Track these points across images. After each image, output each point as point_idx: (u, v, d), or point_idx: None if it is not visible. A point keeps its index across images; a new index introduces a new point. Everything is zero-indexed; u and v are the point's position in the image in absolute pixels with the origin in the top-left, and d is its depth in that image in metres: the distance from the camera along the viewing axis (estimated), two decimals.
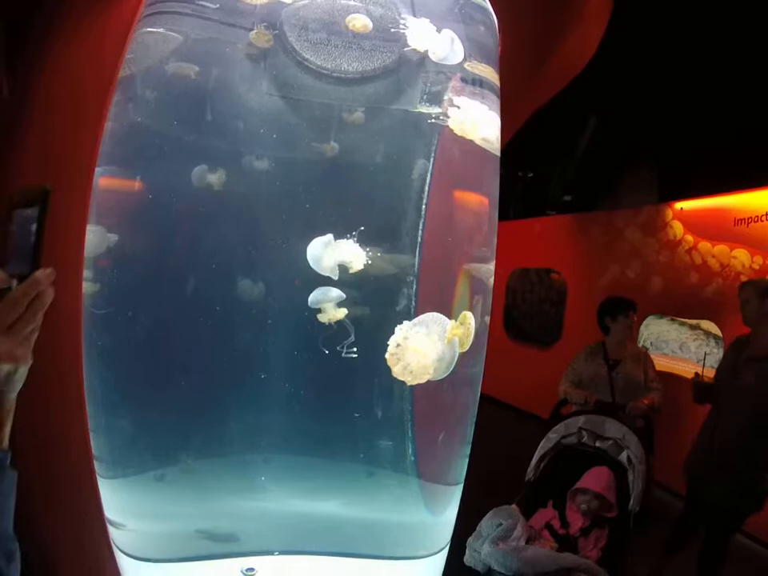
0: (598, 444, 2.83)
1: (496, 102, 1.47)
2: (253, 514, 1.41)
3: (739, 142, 4.34)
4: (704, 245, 5.08)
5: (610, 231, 6.13)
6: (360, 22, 1.31)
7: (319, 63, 1.32)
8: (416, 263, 1.30)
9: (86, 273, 1.32)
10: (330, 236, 1.22)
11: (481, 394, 1.51)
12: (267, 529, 1.42)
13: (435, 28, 1.32)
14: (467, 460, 1.52)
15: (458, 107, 1.33)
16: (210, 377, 1.33)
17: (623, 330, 3.50)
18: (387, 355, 1.23)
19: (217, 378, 1.33)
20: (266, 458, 1.36)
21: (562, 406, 3.40)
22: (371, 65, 1.33)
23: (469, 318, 1.31)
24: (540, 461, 2.87)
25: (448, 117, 1.33)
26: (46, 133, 1.63)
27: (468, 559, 2.44)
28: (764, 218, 4.56)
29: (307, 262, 1.21)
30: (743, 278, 4.48)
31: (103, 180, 1.39)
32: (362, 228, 1.22)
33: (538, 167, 6.88)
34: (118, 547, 1.42)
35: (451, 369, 1.28)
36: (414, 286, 1.29)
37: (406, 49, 1.32)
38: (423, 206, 1.31)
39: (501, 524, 2.41)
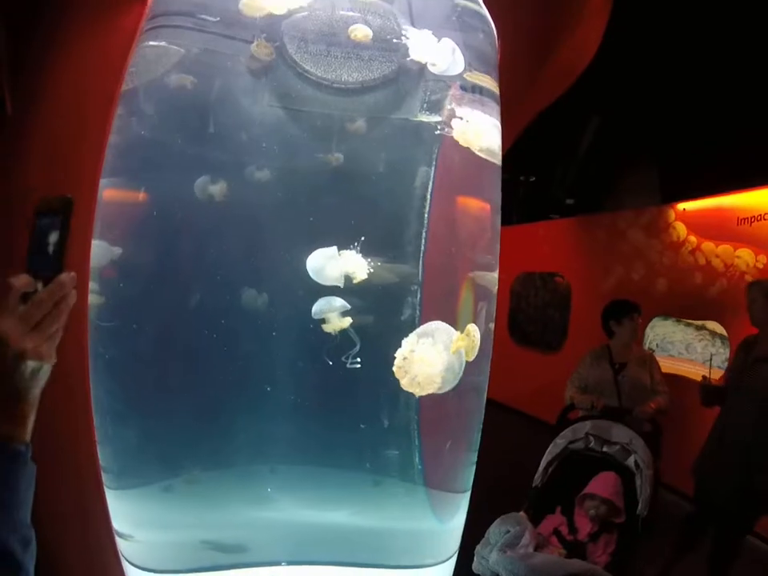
0: (605, 449, 2.81)
1: (496, 109, 1.48)
2: (260, 524, 1.41)
3: (740, 141, 4.34)
4: (707, 245, 5.07)
5: (613, 233, 6.12)
6: (361, 32, 1.32)
7: (319, 74, 1.33)
8: (419, 272, 1.30)
9: (91, 285, 1.33)
10: (333, 248, 1.22)
11: (486, 399, 1.51)
12: (274, 539, 1.42)
13: (436, 39, 1.33)
14: (474, 467, 1.52)
15: (461, 118, 1.34)
16: (215, 388, 1.34)
17: (628, 333, 3.49)
18: (394, 368, 1.24)
19: (223, 388, 1.34)
20: (273, 468, 1.36)
21: (569, 411, 3.38)
22: (371, 75, 1.34)
23: (473, 329, 1.31)
24: (547, 467, 2.86)
25: (451, 127, 1.33)
26: (50, 146, 1.64)
27: (476, 567, 2.43)
28: (767, 216, 4.55)
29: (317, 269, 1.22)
30: (748, 278, 4.47)
31: (107, 193, 1.40)
32: (365, 238, 1.22)
33: (540, 171, 6.88)
34: (125, 558, 1.42)
35: (458, 378, 1.29)
36: (419, 295, 1.29)
37: (406, 59, 1.33)
38: (425, 215, 1.32)
39: (509, 531, 2.40)
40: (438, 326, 1.28)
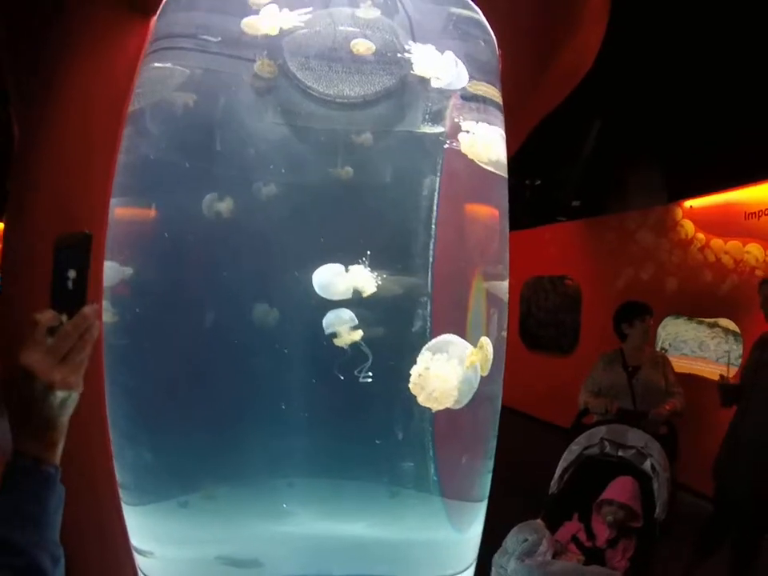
0: (620, 453, 2.79)
1: (500, 118, 1.48)
2: (277, 538, 1.41)
3: (743, 136, 4.31)
4: (716, 242, 5.03)
5: (621, 234, 6.10)
6: (363, 45, 1.33)
7: (322, 90, 1.34)
8: (429, 284, 1.30)
9: (104, 304, 1.35)
10: (339, 266, 1.23)
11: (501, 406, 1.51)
12: (290, 553, 1.42)
13: (439, 53, 1.34)
14: (491, 475, 1.51)
15: (468, 131, 1.35)
16: (230, 403, 1.35)
17: (640, 336, 3.46)
18: (410, 385, 1.25)
19: (237, 404, 1.35)
20: (291, 482, 1.37)
21: (583, 416, 3.36)
22: (373, 88, 1.35)
23: (486, 342, 1.32)
24: (563, 473, 2.84)
25: (458, 140, 1.34)
26: (59, 170, 1.66)
27: None
28: None
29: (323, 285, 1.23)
30: (758, 273, 4.43)
31: (117, 214, 1.42)
32: (374, 251, 1.23)
33: (545, 174, 6.88)
34: (144, 574, 1.43)
35: (474, 390, 1.29)
36: (429, 307, 1.29)
37: (407, 72, 1.34)
38: (433, 226, 1.32)
39: (526, 539, 2.38)
40: (451, 341, 1.28)
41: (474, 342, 1.30)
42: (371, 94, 1.36)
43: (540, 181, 7.04)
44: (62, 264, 0.77)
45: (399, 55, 1.33)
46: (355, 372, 1.22)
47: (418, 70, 1.32)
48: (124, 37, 1.62)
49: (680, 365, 4.92)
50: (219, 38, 1.37)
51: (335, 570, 1.41)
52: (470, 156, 1.34)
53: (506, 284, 1.46)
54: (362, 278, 1.22)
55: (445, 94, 1.38)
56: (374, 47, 1.32)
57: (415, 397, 1.25)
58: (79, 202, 1.59)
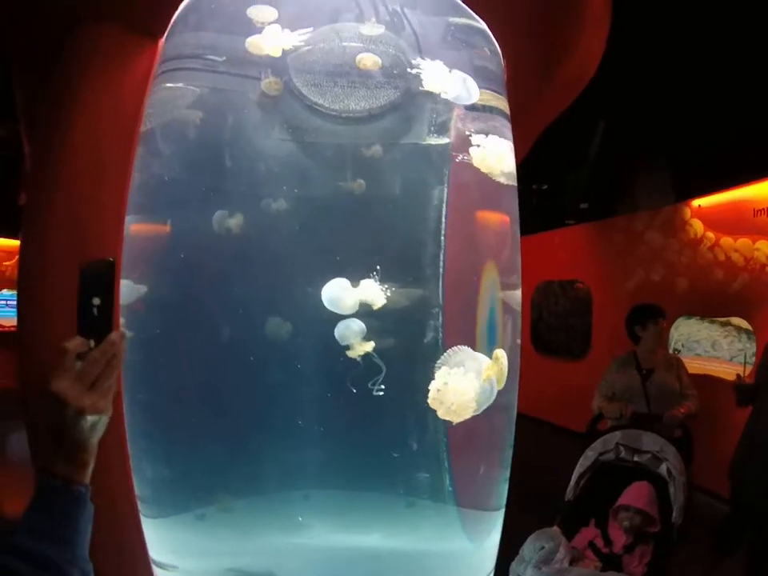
0: (636, 458, 2.77)
1: (508, 127, 1.49)
2: (292, 550, 1.42)
3: (748, 133, 4.29)
4: (726, 240, 4.99)
5: (630, 236, 6.07)
6: (370, 60, 1.35)
7: (327, 105, 1.36)
8: (440, 294, 1.31)
9: (120, 321, 1.37)
10: (345, 281, 1.24)
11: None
12: (306, 565, 1.42)
13: (447, 69, 1.35)
14: (507, 483, 1.51)
15: (478, 145, 1.36)
16: (245, 417, 1.36)
17: (654, 338, 3.44)
18: (429, 400, 1.27)
19: (253, 417, 1.36)
20: (306, 495, 1.37)
21: (598, 421, 3.34)
22: (378, 102, 1.37)
23: (501, 355, 1.33)
24: (579, 479, 2.82)
25: (469, 155, 1.35)
26: (72, 188, 1.68)
27: None
28: None
29: (332, 300, 1.24)
30: None
31: (131, 232, 1.45)
32: (384, 263, 1.24)
33: (552, 178, 6.87)
34: None
35: (492, 400, 1.30)
36: (440, 318, 1.30)
37: (415, 86, 1.35)
38: (442, 237, 1.33)
39: (543, 547, 2.36)
40: (468, 355, 1.30)
41: (488, 352, 1.31)
42: (376, 107, 1.37)
43: (547, 185, 7.04)
44: (87, 291, 0.79)
45: (406, 70, 1.34)
46: (369, 384, 1.23)
47: (428, 85, 1.34)
48: (133, 58, 1.65)
49: (693, 365, 4.87)
50: (225, 58, 1.40)
51: None
52: (483, 170, 1.36)
53: (519, 293, 1.47)
54: (372, 292, 1.23)
55: (449, 105, 1.40)
56: (380, 61, 1.34)
57: (429, 408, 1.26)
58: (92, 221, 1.60)
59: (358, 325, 1.25)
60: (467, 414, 1.27)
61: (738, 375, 3.28)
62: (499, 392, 1.33)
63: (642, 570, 2.45)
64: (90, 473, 0.78)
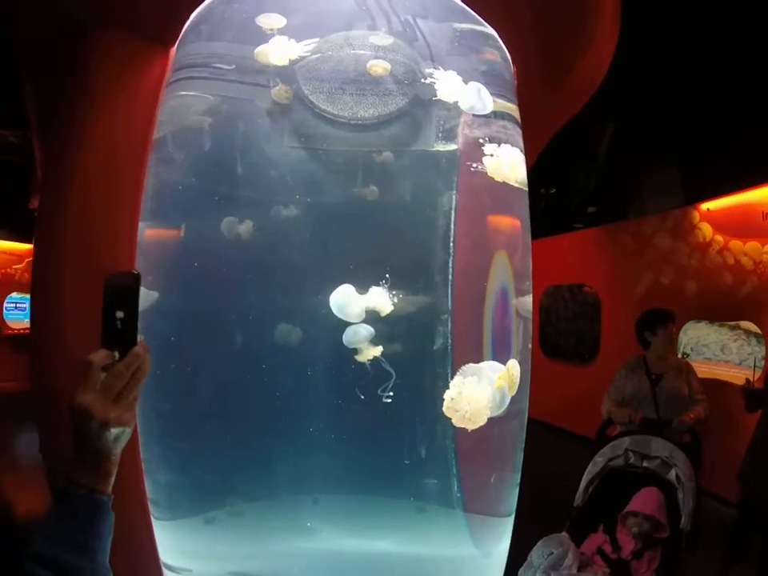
0: (645, 464, 2.75)
1: (519, 133, 1.50)
2: (302, 554, 1.43)
3: (757, 135, 4.26)
4: (735, 243, 4.96)
5: (639, 239, 6.04)
6: (381, 66, 1.36)
7: (336, 113, 1.37)
8: (449, 301, 1.32)
9: None
10: (351, 287, 1.25)
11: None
12: (315, 569, 1.43)
13: (462, 80, 1.36)
14: (517, 489, 1.51)
15: (491, 155, 1.37)
16: (257, 422, 1.37)
17: (664, 343, 3.42)
18: (444, 408, 1.29)
19: (264, 422, 1.37)
20: (315, 499, 1.38)
21: (607, 427, 3.32)
22: (386, 109, 1.38)
23: (513, 366, 1.34)
24: (588, 485, 2.80)
25: (483, 164, 1.36)
26: (84, 199, 1.70)
27: None
28: None
29: (340, 306, 1.25)
30: None
31: (143, 237, 1.47)
32: (394, 270, 1.25)
33: (560, 182, 6.86)
34: None
35: (505, 407, 1.31)
36: (449, 324, 1.31)
37: (418, 91, 1.36)
38: (451, 244, 1.34)
39: (552, 553, 2.35)
40: (481, 365, 1.31)
41: (499, 358, 1.32)
42: (385, 114, 1.38)
43: (555, 189, 7.02)
44: (111, 304, 0.79)
45: (415, 77, 1.35)
46: (379, 391, 1.23)
47: (443, 96, 1.35)
48: (145, 66, 1.67)
49: (702, 369, 4.84)
50: (235, 66, 1.42)
51: None
52: (497, 179, 1.37)
53: (530, 299, 1.47)
54: (379, 299, 1.24)
55: (457, 111, 1.40)
56: (390, 67, 1.35)
57: (438, 414, 1.26)
58: (105, 227, 1.62)
59: (366, 329, 1.26)
60: (481, 422, 1.29)
61: (747, 380, 3.26)
62: (511, 399, 1.33)
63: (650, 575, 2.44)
64: (112, 482, 0.79)
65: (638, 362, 3.45)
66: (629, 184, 6.25)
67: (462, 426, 1.28)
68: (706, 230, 5.24)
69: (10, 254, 9.55)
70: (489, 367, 1.32)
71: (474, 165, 1.36)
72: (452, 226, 1.35)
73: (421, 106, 1.39)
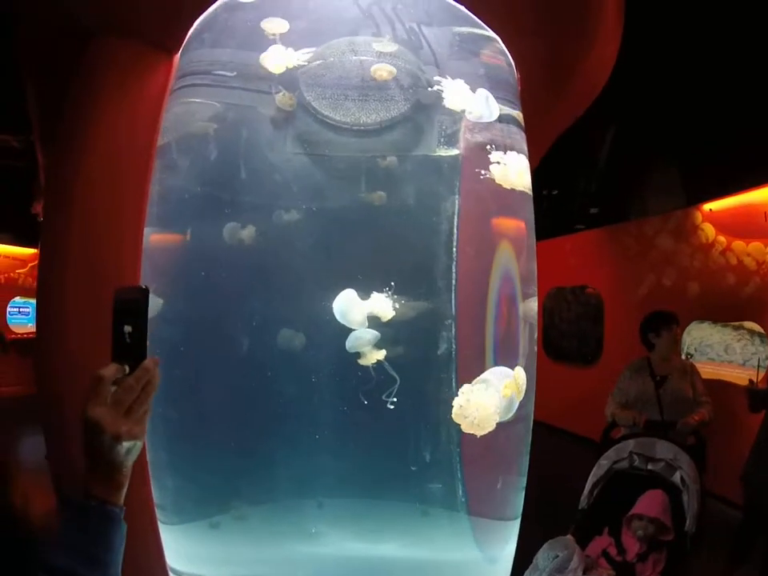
0: (650, 467, 2.75)
1: (523, 136, 1.50)
2: (307, 558, 1.43)
3: (759, 135, 4.25)
4: (738, 244, 4.95)
5: (642, 241, 6.03)
6: (385, 69, 1.37)
7: (339, 118, 1.38)
8: (453, 306, 1.32)
9: None
10: (353, 292, 1.26)
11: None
12: (320, 573, 1.43)
13: (469, 87, 1.36)
14: (523, 492, 1.51)
15: (498, 163, 1.38)
16: (261, 427, 1.37)
17: (668, 345, 3.41)
18: (453, 415, 1.30)
19: (269, 427, 1.37)
20: (320, 503, 1.38)
21: (611, 429, 3.31)
22: (388, 114, 1.39)
23: (519, 374, 1.35)
24: (593, 488, 2.80)
25: (490, 172, 1.36)
26: (89, 205, 1.71)
27: None
28: None
29: (343, 312, 1.25)
30: None
31: (147, 243, 1.47)
32: (396, 275, 1.25)
33: (562, 184, 6.85)
34: None
35: (513, 412, 1.32)
36: (453, 329, 1.31)
37: (420, 96, 1.37)
38: (454, 249, 1.34)
39: (557, 556, 2.35)
40: (489, 371, 1.32)
41: (505, 363, 1.32)
42: (387, 120, 1.39)
43: (557, 191, 7.01)
44: (121, 318, 0.79)
45: (417, 83, 1.36)
46: (383, 397, 1.24)
47: (450, 105, 1.35)
48: (149, 73, 1.68)
49: (706, 370, 4.83)
50: (238, 73, 1.43)
51: None
52: (505, 186, 1.37)
53: (535, 303, 1.47)
54: (382, 304, 1.25)
55: (459, 116, 1.41)
56: (395, 71, 1.36)
57: (442, 418, 1.27)
58: (110, 234, 1.63)
59: (369, 333, 1.27)
60: (490, 427, 1.30)
61: (751, 380, 3.25)
62: (520, 405, 1.34)
63: None
64: (124, 493, 0.80)
65: (642, 364, 3.44)
66: (631, 185, 6.24)
67: (471, 432, 1.29)
68: (709, 230, 5.23)
69: (14, 258, 9.58)
70: (496, 374, 1.32)
71: (483, 173, 1.36)
72: (455, 231, 1.35)
73: (424, 111, 1.39)
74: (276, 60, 1.34)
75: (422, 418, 1.30)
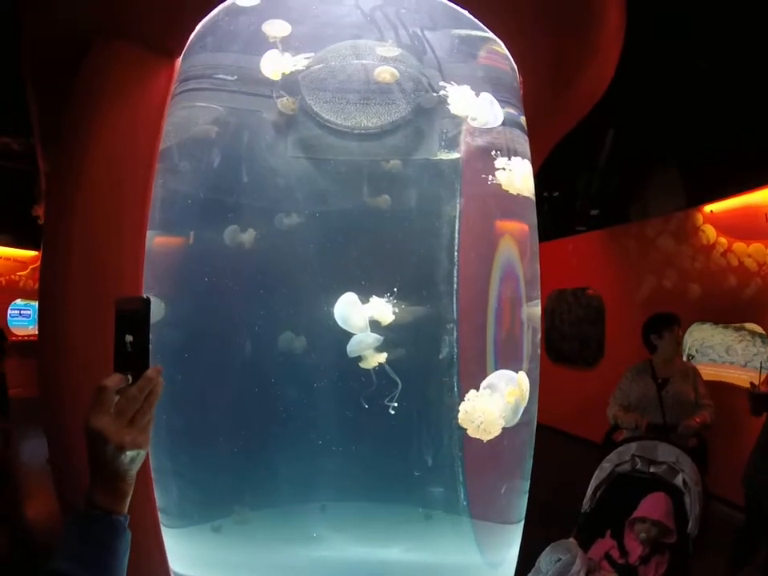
0: (652, 469, 2.74)
1: (526, 140, 1.50)
2: (309, 563, 1.43)
3: (760, 137, 4.25)
4: (739, 245, 4.94)
5: (643, 242, 6.03)
6: (388, 72, 1.37)
7: (340, 122, 1.38)
8: (454, 310, 1.32)
9: None
10: (354, 295, 1.26)
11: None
12: None
13: (474, 93, 1.36)
14: (527, 495, 1.51)
15: (504, 169, 1.37)
16: (264, 430, 1.37)
17: (670, 347, 3.40)
18: (459, 420, 1.30)
19: (271, 431, 1.37)
20: (323, 507, 1.38)
21: (613, 432, 3.31)
22: (389, 118, 1.39)
23: (522, 378, 1.35)
24: (595, 491, 2.79)
25: (496, 178, 1.36)
26: (90, 209, 1.71)
27: None
28: None
29: (344, 317, 1.25)
30: None
31: (149, 247, 1.47)
32: (397, 280, 1.25)
33: (563, 186, 6.85)
34: None
35: (518, 416, 1.32)
36: (455, 333, 1.31)
37: (420, 100, 1.37)
38: (456, 253, 1.34)
39: (560, 559, 2.34)
40: (494, 376, 1.32)
41: (508, 366, 1.32)
42: (388, 124, 1.39)
43: (558, 192, 7.01)
44: (123, 328, 0.80)
45: (419, 87, 1.36)
46: (385, 401, 1.23)
47: (456, 111, 1.35)
48: (150, 77, 1.68)
49: (707, 371, 4.82)
50: (239, 77, 1.43)
51: None
52: (511, 191, 1.37)
53: (538, 306, 1.47)
54: (383, 308, 1.25)
55: (460, 119, 1.41)
56: (398, 73, 1.35)
57: (444, 422, 1.27)
58: (111, 238, 1.63)
59: (371, 336, 1.26)
60: (496, 432, 1.31)
61: (752, 383, 3.24)
62: (524, 410, 1.34)
63: None
64: (128, 502, 0.80)
65: (645, 366, 3.44)
66: (632, 186, 6.24)
67: (477, 437, 1.29)
68: (710, 232, 5.22)
69: (14, 260, 9.59)
70: (502, 378, 1.32)
71: (491, 178, 1.36)
72: (456, 234, 1.35)
73: (424, 115, 1.39)
74: (281, 63, 1.34)
75: (423, 421, 1.30)
